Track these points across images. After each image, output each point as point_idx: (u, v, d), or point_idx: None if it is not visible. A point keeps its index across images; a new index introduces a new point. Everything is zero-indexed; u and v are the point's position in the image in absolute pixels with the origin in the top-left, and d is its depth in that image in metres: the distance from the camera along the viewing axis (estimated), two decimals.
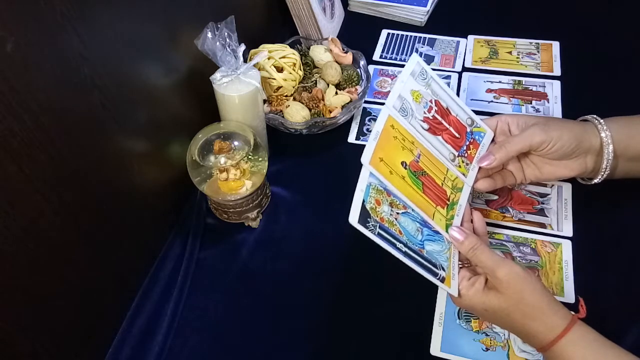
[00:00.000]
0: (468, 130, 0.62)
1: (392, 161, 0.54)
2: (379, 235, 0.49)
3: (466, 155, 0.61)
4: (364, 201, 0.49)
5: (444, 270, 0.53)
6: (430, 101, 0.59)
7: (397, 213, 0.52)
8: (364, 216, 0.48)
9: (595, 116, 0.60)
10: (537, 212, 0.68)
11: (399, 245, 0.50)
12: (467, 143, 0.62)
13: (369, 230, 0.48)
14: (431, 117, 0.59)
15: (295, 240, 0.68)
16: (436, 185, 0.58)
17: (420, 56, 0.92)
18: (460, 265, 0.55)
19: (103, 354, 0.58)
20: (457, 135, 0.61)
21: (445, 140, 0.60)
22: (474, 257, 0.53)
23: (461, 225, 0.58)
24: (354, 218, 0.47)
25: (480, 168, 0.62)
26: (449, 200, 0.58)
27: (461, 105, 0.62)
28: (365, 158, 0.51)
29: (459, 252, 0.56)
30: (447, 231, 0.56)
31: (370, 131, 0.80)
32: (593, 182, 0.61)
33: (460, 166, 0.61)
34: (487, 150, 0.61)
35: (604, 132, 0.58)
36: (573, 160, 0.59)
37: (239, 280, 0.65)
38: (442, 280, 0.52)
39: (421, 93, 0.58)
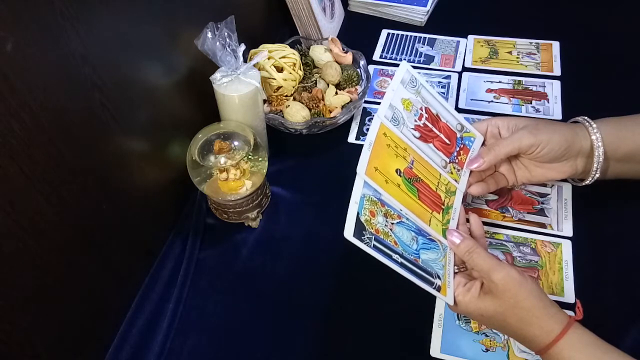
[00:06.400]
0: (458, 136, 0.62)
1: (386, 170, 0.53)
2: (375, 247, 0.48)
3: (457, 161, 0.61)
4: (358, 214, 0.48)
5: (439, 278, 0.53)
6: (421, 109, 0.59)
7: (392, 223, 0.52)
8: (359, 229, 0.48)
9: (586, 118, 0.60)
10: (537, 212, 0.68)
11: (394, 256, 0.50)
12: (458, 149, 0.62)
13: (365, 244, 0.48)
14: (422, 125, 0.59)
15: (295, 240, 0.68)
16: (431, 191, 0.58)
17: (420, 56, 0.93)
18: (456, 270, 0.55)
19: (103, 354, 0.58)
20: (447, 141, 0.61)
21: (436, 148, 0.60)
22: (470, 260, 0.53)
23: (457, 228, 0.58)
24: (349, 232, 0.47)
25: (471, 172, 0.62)
26: (444, 205, 0.58)
27: (451, 111, 0.62)
28: (360, 168, 0.51)
29: (455, 256, 0.56)
30: (444, 236, 0.56)
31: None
32: (584, 184, 0.61)
33: (452, 173, 0.61)
34: (476, 154, 0.62)
35: (595, 134, 0.58)
36: (563, 163, 0.59)
37: (239, 280, 0.65)
38: (438, 289, 0.52)
39: (411, 101, 0.58)
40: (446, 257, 0.55)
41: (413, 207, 0.55)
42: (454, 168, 0.61)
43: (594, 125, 0.58)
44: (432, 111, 0.60)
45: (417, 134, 0.58)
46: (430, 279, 0.52)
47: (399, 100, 0.57)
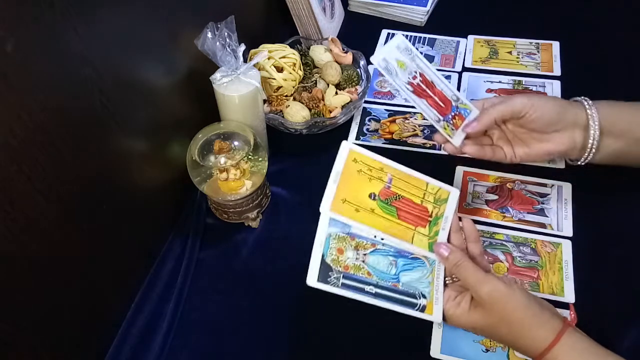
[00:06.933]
0: (454, 104, 0.61)
1: (357, 198, 0.52)
2: (343, 285, 0.48)
3: (452, 122, 0.61)
4: (323, 256, 0.48)
5: (424, 297, 0.52)
6: (415, 71, 0.58)
7: (364, 254, 0.51)
8: (325, 272, 0.48)
9: (584, 97, 0.60)
10: (537, 212, 0.68)
11: (368, 288, 0.49)
12: (453, 114, 0.61)
13: (332, 285, 0.47)
14: (416, 84, 0.58)
15: (295, 240, 0.68)
16: (414, 206, 0.56)
17: None
18: (450, 281, 0.55)
19: (103, 354, 0.58)
20: (442, 104, 0.60)
21: (430, 105, 0.59)
22: (457, 273, 0.53)
23: (450, 236, 0.57)
24: (312, 279, 0.47)
25: (468, 138, 0.62)
26: (431, 216, 0.57)
27: (447, 83, 0.62)
28: (324, 205, 0.50)
29: (445, 268, 0.55)
30: (430, 249, 0.55)
31: (370, 131, 0.80)
32: (582, 160, 0.61)
33: (445, 128, 0.60)
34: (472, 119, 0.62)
35: (590, 108, 0.58)
36: (560, 133, 0.59)
37: (239, 280, 0.65)
38: (423, 309, 0.52)
39: (406, 64, 0.58)
40: (434, 272, 0.55)
41: (391, 229, 0.54)
42: (448, 126, 0.60)
43: (590, 102, 0.59)
44: (427, 78, 0.60)
45: (411, 88, 0.57)
46: (413, 300, 0.52)
47: (393, 59, 0.56)
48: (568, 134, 0.59)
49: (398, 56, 0.57)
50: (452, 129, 0.61)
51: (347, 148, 0.53)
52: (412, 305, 0.51)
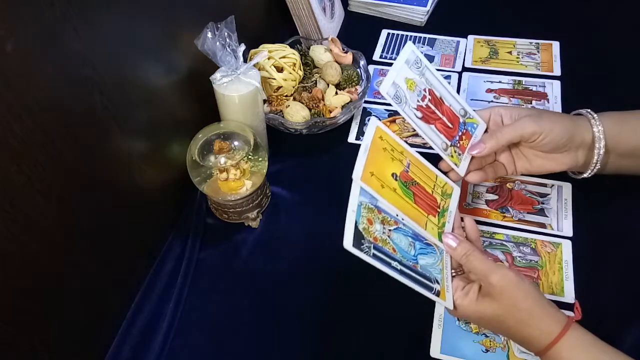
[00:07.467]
0: (461, 121, 0.62)
1: (383, 174, 0.53)
2: (374, 256, 0.48)
3: (458, 145, 0.61)
4: (356, 222, 0.48)
5: (438, 283, 0.52)
6: (424, 90, 0.59)
7: (389, 230, 0.51)
8: (358, 238, 0.47)
9: (589, 110, 0.60)
10: (537, 212, 0.68)
11: (394, 264, 0.49)
12: (460, 134, 0.61)
13: (364, 253, 0.47)
14: (424, 106, 0.58)
15: (295, 240, 0.68)
16: (427, 194, 0.57)
17: None
18: (453, 274, 0.55)
19: (103, 354, 0.58)
20: (450, 125, 0.60)
21: (438, 130, 0.59)
22: (467, 263, 0.52)
23: (452, 231, 0.58)
24: (348, 242, 0.46)
25: (472, 159, 0.62)
26: (439, 208, 0.58)
27: (455, 95, 0.62)
28: (356, 174, 0.50)
29: (452, 260, 0.56)
30: (439, 239, 0.56)
31: None
32: (582, 177, 0.61)
33: (452, 156, 0.60)
34: (478, 139, 0.61)
35: (597, 127, 0.58)
36: (564, 154, 0.59)
37: (239, 280, 0.65)
38: (437, 294, 0.52)
39: (415, 81, 0.58)
40: (443, 261, 0.55)
41: (409, 212, 0.54)
42: (455, 152, 0.60)
43: (597, 118, 0.58)
44: (436, 94, 0.60)
45: (420, 114, 0.58)
46: (430, 284, 0.52)
47: (402, 79, 0.57)
48: (571, 155, 0.59)
49: (408, 74, 0.57)
50: (459, 154, 0.61)
51: (375, 124, 0.54)
52: (429, 289, 0.51)
